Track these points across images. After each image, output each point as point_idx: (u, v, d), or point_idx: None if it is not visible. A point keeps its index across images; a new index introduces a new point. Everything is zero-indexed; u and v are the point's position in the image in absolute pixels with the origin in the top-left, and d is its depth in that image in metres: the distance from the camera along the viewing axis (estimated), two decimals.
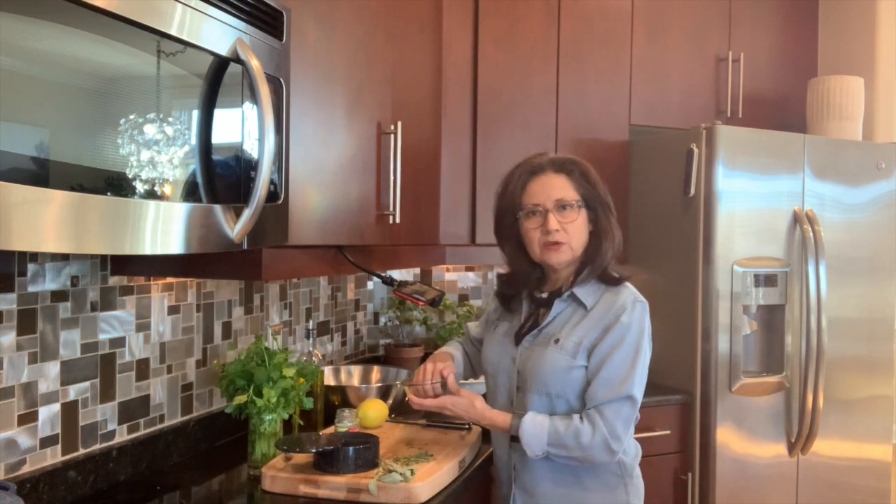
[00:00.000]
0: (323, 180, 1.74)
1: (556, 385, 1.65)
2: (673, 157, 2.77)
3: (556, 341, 1.67)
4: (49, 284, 1.50)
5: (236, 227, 1.31)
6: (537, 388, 1.67)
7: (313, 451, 1.63)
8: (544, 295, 1.76)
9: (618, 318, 1.64)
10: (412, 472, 1.61)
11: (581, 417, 1.61)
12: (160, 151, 1.14)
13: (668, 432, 2.65)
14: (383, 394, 2.16)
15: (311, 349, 2.18)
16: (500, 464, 1.81)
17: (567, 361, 1.64)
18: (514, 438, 1.65)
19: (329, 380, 2.36)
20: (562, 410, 1.66)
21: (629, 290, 1.69)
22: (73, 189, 0.97)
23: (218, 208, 1.28)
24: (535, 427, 1.62)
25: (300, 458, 1.69)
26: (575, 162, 1.74)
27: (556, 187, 1.70)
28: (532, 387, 1.68)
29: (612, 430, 1.59)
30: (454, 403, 1.71)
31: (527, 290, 1.80)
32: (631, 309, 1.65)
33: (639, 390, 1.64)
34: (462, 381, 2.25)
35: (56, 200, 0.95)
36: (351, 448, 1.63)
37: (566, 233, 1.68)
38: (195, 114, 1.23)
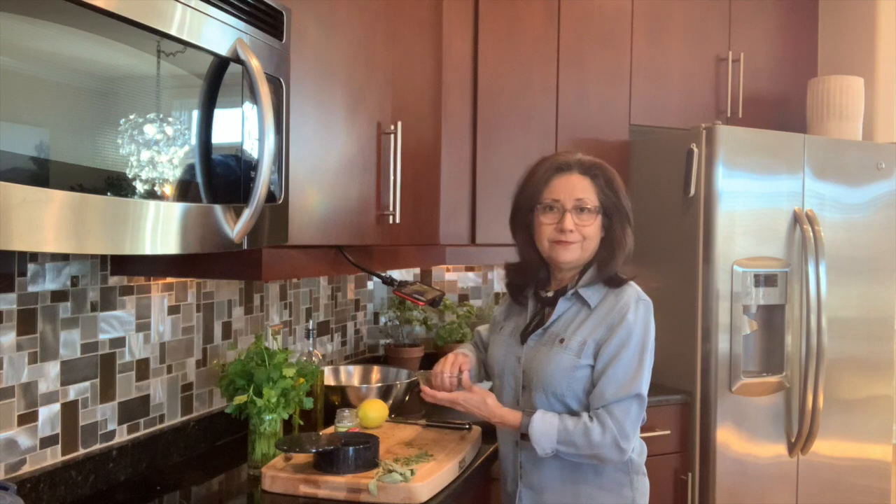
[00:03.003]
0: (323, 180, 1.74)
1: (560, 385, 1.66)
2: (673, 157, 2.77)
3: (561, 341, 1.68)
4: (49, 284, 1.50)
5: (236, 227, 1.31)
6: (542, 388, 1.68)
7: (313, 451, 1.63)
8: (549, 294, 1.77)
9: (623, 316, 1.64)
10: (412, 472, 1.61)
11: (590, 416, 1.62)
12: (160, 151, 1.14)
13: (668, 432, 2.65)
14: (383, 394, 2.16)
15: (311, 349, 2.18)
16: (507, 462, 1.81)
17: (572, 361, 1.65)
18: (524, 436, 1.66)
19: (329, 380, 2.36)
20: (567, 409, 1.67)
21: (633, 289, 1.71)
22: (73, 189, 0.97)
23: (218, 208, 1.28)
24: (545, 425, 1.62)
25: (300, 458, 1.69)
26: (602, 167, 1.74)
27: (578, 188, 1.71)
28: (537, 386, 1.69)
29: (621, 429, 1.60)
30: (466, 399, 1.72)
31: (533, 286, 1.82)
32: (635, 307, 1.66)
33: (646, 389, 1.66)
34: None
35: (56, 200, 0.95)
36: (351, 448, 1.63)
37: (579, 234, 1.69)
38: (195, 114, 1.23)
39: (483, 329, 2.04)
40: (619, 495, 1.69)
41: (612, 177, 1.74)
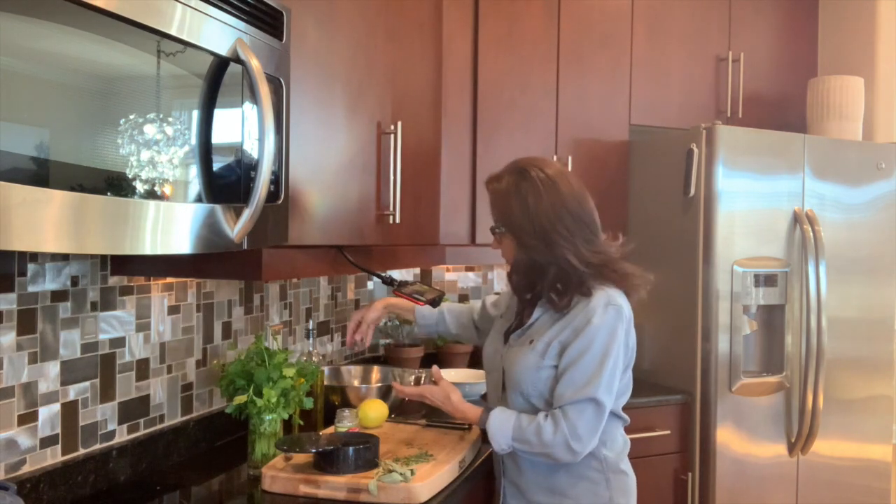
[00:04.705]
0: (323, 180, 1.74)
1: (526, 384, 1.70)
2: (673, 157, 2.77)
3: (531, 342, 1.71)
4: (49, 284, 1.50)
5: (236, 227, 1.31)
6: (514, 387, 1.73)
7: (313, 451, 1.63)
8: (528, 296, 1.79)
9: (588, 320, 1.64)
10: (412, 472, 1.61)
11: (546, 415, 1.64)
12: (160, 151, 1.14)
13: (668, 432, 2.65)
14: (383, 394, 2.16)
15: (311, 349, 2.18)
16: (494, 458, 1.87)
17: (536, 361, 1.68)
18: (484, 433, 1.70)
19: (329, 380, 2.36)
20: (533, 409, 1.69)
21: (604, 294, 1.66)
22: (73, 189, 0.97)
23: (218, 208, 1.28)
24: (501, 422, 1.67)
25: (300, 458, 1.69)
26: (489, 185, 1.76)
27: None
28: (510, 385, 1.74)
29: (573, 431, 1.60)
30: (432, 393, 1.81)
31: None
32: (602, 312, 1.64)
33: (605, 394, 1.62)
34: (459, 382, 2.25)
35: (56, 200, 0.95)
36: (351, 448, 1.63)
37: (502, 253, 1.79)
38: (195, 114, 1.23)
39: (489, 300, 2.11)
40: (594, 493, 1.71)
41: (500, 193, 1.71)
